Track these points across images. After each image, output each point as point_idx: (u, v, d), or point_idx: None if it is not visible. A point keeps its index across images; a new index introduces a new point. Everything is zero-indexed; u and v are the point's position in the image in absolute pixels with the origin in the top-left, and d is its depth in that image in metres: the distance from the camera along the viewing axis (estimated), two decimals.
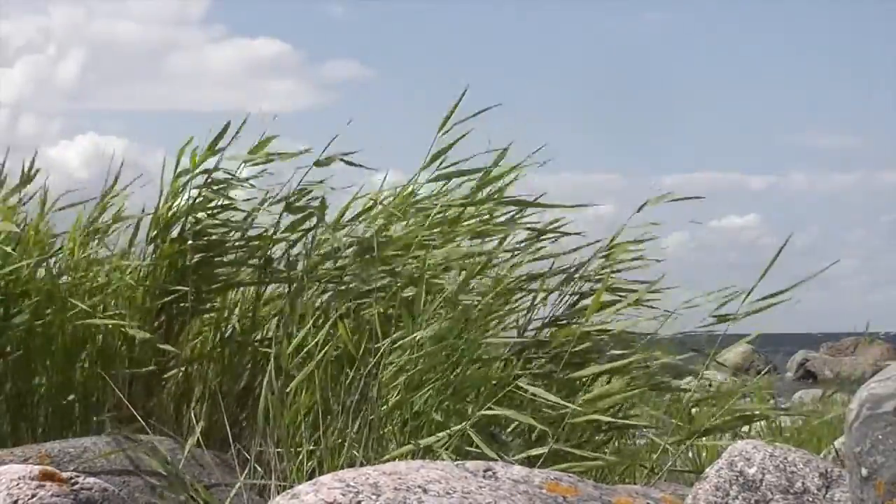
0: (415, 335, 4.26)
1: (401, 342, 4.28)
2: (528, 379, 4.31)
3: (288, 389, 4.04)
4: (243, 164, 5.00)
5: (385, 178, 5.20)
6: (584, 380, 4.55)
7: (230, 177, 4.99)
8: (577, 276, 4.79)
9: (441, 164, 4.99)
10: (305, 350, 4.15)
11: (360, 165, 5.03)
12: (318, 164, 4.95)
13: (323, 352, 4.06)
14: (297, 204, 4.99)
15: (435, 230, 4.83)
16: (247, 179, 5.03)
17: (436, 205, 4.93)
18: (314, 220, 4.98)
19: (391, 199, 5.09)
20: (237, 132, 4.94)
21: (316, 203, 4.98)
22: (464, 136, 4.94)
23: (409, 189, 5.08)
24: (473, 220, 4.94)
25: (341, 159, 4.98)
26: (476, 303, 4.53)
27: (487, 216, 4.97)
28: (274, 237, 4.99)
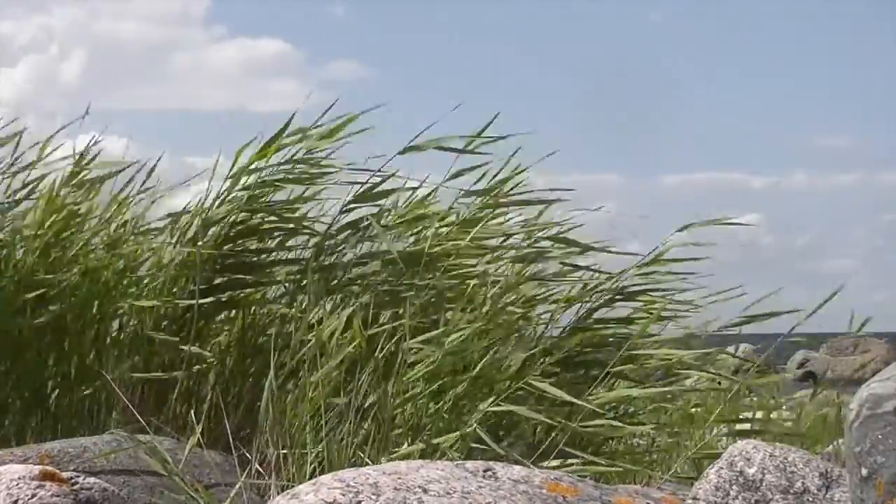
0: (441, 338, 4.25)
1: (427, 344, 4.27)
2: (538, 379, 4.32)
3: (314, 379, 4.02)
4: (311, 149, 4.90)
5: (404, 183, 5.07)
6: (589, 383, 4.56)
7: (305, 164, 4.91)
8: (605, 292, 4.77)
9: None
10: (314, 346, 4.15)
11: (457, 150, 4.88)
12: (411, 149, 4.82)
13: (341, 349, 4.05)
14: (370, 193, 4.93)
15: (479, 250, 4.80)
16: (312, 177, 4.96)
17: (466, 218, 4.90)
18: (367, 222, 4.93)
19: (410, 210, 5.04)
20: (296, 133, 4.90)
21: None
22: (484, 164, 4.93)
23: (431, 203, 5.04)
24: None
25: (439, 147, 4.85)
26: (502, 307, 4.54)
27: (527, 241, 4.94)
28: (328, 233, 4.93)
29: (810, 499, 2.98)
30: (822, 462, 3.08)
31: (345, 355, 4.08)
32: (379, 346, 4.31)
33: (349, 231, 4.98)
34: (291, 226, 5.06)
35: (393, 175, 4.91)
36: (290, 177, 4.97)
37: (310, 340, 4.21)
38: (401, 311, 4.56)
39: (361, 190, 4.93)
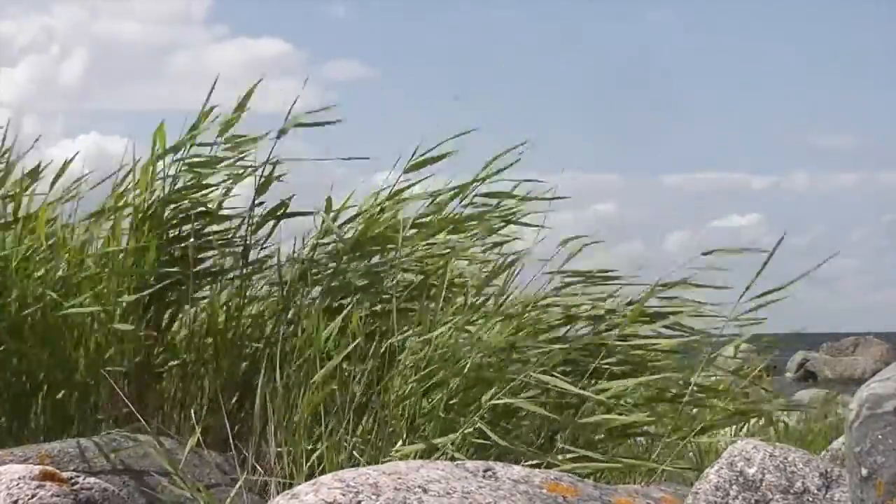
0: (430, 333, 4.24)
1: (415, 339, 4.26)
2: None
3: (312, 381, 4.01)
4: (217, 146, 4.88)
5: (388, 176, 5.09)
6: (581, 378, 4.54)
7: (207, 157, 4.87)
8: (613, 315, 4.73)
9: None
10: (311, 346, 4.14)
11: (322, 124, 4.81)
12: (282, 132, 4.77)
13: (339, 347, 4.04)
14: (266, 182, 4.87)
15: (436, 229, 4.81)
16: (221, 161, 4.89)
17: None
18: (286, 208, 4.89)
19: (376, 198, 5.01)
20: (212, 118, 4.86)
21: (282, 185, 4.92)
22: (449, 154, 4.91)
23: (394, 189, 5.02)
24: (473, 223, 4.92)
25: (298, 125, 4.77)
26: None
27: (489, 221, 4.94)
28: (251, 223, 4.88)
29: (810, 499, 2.98)
30: (822, 462, 3.08)
31: (339, 352, 4.08)
32: (376, 342, 4.30)
33: (271, 219, 4.94)
34: (213, 210, 4.96)
35: (276, 163, 4.86)
36: (209, 159, 4.90)
37: (303, 338, 4.21)
38: (381, 307, 4.56)
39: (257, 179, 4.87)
